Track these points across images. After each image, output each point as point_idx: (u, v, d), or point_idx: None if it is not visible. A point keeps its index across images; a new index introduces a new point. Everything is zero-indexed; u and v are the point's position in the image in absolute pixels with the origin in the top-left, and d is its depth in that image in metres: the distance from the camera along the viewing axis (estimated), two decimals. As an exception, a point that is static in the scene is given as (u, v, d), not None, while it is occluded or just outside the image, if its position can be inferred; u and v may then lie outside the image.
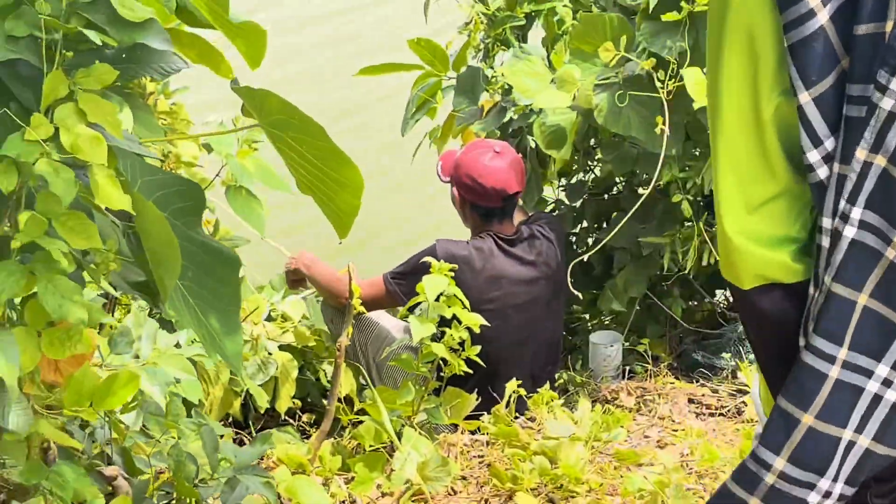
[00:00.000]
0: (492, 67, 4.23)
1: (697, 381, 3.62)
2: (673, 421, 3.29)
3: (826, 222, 1.12)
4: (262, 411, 3.54)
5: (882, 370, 1.10)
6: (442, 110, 4.42)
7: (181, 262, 1.26)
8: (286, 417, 3.71)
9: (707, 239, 3.49)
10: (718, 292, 4.11)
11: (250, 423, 3.74)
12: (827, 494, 1.15)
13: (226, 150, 2.34)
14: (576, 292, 3.56)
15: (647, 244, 3.61)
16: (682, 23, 3.20)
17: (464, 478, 2.90)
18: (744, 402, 3.35)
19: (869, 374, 1.10)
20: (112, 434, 1.80)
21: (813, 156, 1.11)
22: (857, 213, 1.08)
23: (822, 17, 1.07)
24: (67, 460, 1.57)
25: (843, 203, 1.09)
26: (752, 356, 3.52)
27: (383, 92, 4.62)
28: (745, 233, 1.15)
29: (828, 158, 1.11)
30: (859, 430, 1.12)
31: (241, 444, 3.63)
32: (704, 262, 3.55)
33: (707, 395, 3.47)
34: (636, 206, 3.36)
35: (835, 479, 1.14)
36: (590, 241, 3.87)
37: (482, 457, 3.03)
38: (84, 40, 1.26)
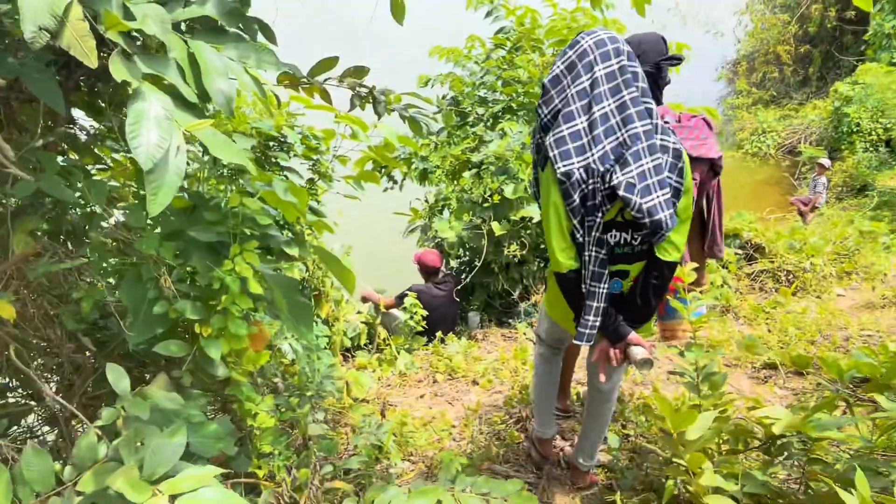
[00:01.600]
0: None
1: (507, 326, 6.22)
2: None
3: (587, 251, 2.28)
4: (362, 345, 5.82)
5: (599, 288, 2.36)
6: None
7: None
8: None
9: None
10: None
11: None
12: (594, 325, 2.36)
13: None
14: (457, 300, 6.13)
15: (489, 281, 6.66)
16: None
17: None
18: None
19: (597, 286, 2.35)
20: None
21: (577, 231, 2.24)
22: (594, 248, 2.27)
23: (578, 174, 2.16)
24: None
25: (591, 245, 2.27)
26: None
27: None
28: (562, 255, 2.29)
29: (582, 234, 2.26)
30: (599, 301, 2.37)
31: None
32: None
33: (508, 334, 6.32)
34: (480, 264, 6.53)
35: (596, 317, 2.39)
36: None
37: (430, 365, 5.26)
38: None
